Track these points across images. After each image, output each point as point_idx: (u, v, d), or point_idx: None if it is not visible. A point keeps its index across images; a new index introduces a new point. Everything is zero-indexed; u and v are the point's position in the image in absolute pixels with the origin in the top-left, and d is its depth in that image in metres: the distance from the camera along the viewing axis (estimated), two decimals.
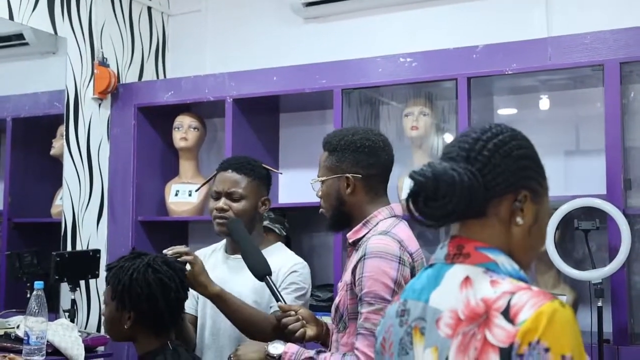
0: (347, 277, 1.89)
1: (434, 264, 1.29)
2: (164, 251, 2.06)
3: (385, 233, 1.85)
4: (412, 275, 1.82)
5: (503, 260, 1.22)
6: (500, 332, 1.13)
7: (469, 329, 1.16)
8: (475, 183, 1.20)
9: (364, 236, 1.90)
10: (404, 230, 1.89)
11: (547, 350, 1.09)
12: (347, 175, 1.92)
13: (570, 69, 2.92)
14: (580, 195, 2.75)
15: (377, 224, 1.91)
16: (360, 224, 1.93)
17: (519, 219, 1.24)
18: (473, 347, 1.14)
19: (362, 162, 1.93)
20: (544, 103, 3.30)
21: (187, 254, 2.05)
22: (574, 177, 3.13)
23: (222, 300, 2.08)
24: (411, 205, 1.20)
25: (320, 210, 2.01)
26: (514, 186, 1.24)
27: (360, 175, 1.92)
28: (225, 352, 2.20)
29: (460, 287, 1.20)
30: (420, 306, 1.25)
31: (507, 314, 1.13)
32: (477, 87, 3.08)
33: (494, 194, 1.23)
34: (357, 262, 1.84)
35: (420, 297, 1.26)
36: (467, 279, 1.20)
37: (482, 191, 1.20)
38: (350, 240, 1.95)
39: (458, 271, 1.23)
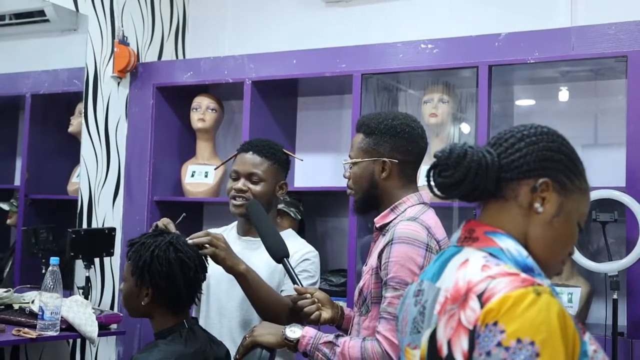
0: (372, 261, 1.89)
1: (449, 247, 1.32)
2: (187, 239, 2.03)
3: (414, 219, 1.85)
4: None
5: (509, 246, 1.23)
6: (470, 313, 1.14)
7: (451, 308, 1.18)
8: (488, 159, 1.24)
9: (391, 222, 1.90)
10: (432, 218, 1.89)
11: (502, 331, 1.09)
12: (385, 159, 1.92)
13: (593, 60, 2.89)
14: (598, 187, 2.73)
15: (405, 210, 1.90)
16: (388, 210, 1.92)
17: (537, 205, 1.25)
18: (450, 326, 1.16)
19: (400, 147, 1.92)
20: (564, 94, 3.27)
21: (209, 244, 2.01)
22: (592, 169, 3.06)
23: (245, 279, 2.07)
24: (431, 178, 1.28)
25: (348, 192, 2.00)
26: (534, 172, 1.25)
27: (397, 161, 1.92)
28: (234, 334, 2.20)
29: (457, 269, 1.22)
30: (431, 287, 1.27)
31: (481, 296, 1.14)
32: (497, 76, 3.05)
33: (512, 176, 1.25)
34: (384, 247, 1.83)
35: (432, 278, 1.28)
36: (465, 261, 1.22)
37: (495, 169, 1.24)
38: (377, 225, 1.95)
39: (463, 254, 1.25)
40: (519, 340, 1.07)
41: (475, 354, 1.11)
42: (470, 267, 1.20)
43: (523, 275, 1.16)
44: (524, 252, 1.23)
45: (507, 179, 1.25)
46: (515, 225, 1.25)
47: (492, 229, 1.25)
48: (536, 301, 1.10)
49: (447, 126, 3.27)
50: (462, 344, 1.13)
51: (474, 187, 1.24)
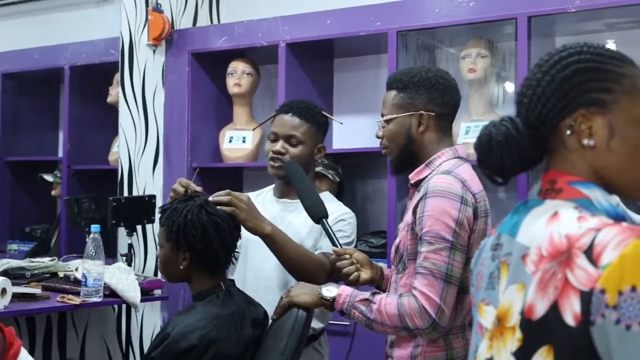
0: (407, 217, 1.86)
1: (529, 199, 1.24)
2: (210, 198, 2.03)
3: (448, 172, 1.80)
4: (475, 215, 1.78)
5: (598, 196, 1.14)
6: (581, 274, 1.04)
7: (550, 267, 1.08)
8: (512, 133, 1.19)
9: (426, 177, 1.86)
10: (467, 171, 1.84)
11: None
12: (421, 112, 1.87)
13: (638, 6, 2.77)
14: None
15: (440, 164, 1.86)
16: (423, 165, 1.88)
17: (585, 142, 1.15)
18: (553, 286, 1.07)
19: (436, 99, 1.88)
20: (610, 46, 3.14)
21: (228, 203, 2.00)
22: None
23: (272, 240, 2.06)
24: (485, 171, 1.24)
25: (383, 151, 1.96)
26: (564, 110, 1.15)
27: (433, 113, 1.87)
28: (271, 295, 2.18)
29: (547, 223, 1.13)
30: (511, 241, 1.20)
31: (589, 253, 1.04)
32: (537, 28, 2.95)
33: (548, 128, 1.17)
34: (419, 201, 1.79)
35: (512, 232, 1.21)
36: (555, 214, 1.13)
37: (523, 137, 1.19)
38: (412, 181, 1.91)
39: (548, 207, 1.16)
40: None
41: (621, 326, 1.00)
42: (564, 220, 1.11)
43: (624, 224, 1.07)
44: (613, 201, 1.15)
45: (546, 133, 1.18)
46: (582, 172, 1.16)
47: (577, 179, 1.16)
48: None
49: (489, 84, 3.18)
50: (573, 306, 1.05)
51: (521, 162, 1.20)
